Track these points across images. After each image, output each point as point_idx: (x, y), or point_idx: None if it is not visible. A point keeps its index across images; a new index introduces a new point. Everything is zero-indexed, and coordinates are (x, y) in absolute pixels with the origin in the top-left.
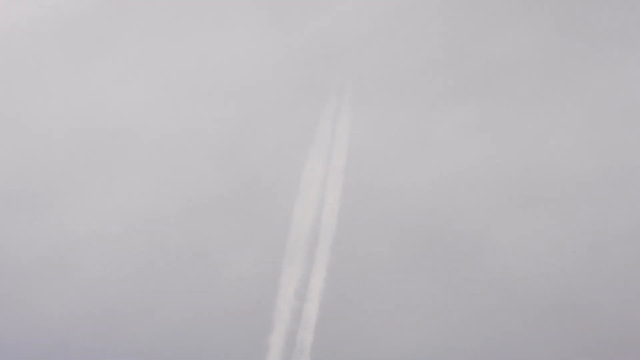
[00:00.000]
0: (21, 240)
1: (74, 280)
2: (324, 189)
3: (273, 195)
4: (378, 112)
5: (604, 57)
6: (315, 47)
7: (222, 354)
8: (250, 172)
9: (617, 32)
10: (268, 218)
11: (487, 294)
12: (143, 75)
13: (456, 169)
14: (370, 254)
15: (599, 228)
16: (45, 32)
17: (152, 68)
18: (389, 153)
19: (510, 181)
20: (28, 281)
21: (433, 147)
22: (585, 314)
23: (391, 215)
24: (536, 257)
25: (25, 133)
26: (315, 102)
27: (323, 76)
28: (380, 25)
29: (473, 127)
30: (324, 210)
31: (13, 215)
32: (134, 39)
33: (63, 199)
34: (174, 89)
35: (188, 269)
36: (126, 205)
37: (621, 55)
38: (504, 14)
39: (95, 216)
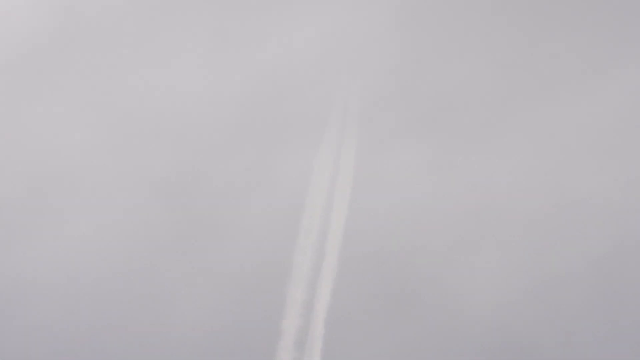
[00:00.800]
0: None
1: (18, 326)
2: (273, 227)
3: (220, 237)
4: (327, 151)
5: (550, 94)
6: (263, 84)
7: None
8: (199, 213)
9: (563, 69)
10: (216, 259)
11: (441, 333)
12: (87, 115)
13: (406, 207)
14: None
15: (551, 264)
16: None
17: (97, 107)
18: (338, 193)
19: (461, 219)
20: None
21: (383, 185)
22: (539, 352)
23: (340, 258)
24: (489, 296)
25: None
26: (264, 142)
27: (270, 116)
28: (331, 60)
29: (423, 164)
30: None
31: None
32: (77, 78)
33: (6, 245)
34: (121, 128)
35: (135, 312)
36: (72, 249)
37: (567, 92)
38: (453, 50)
39: (39, 262)
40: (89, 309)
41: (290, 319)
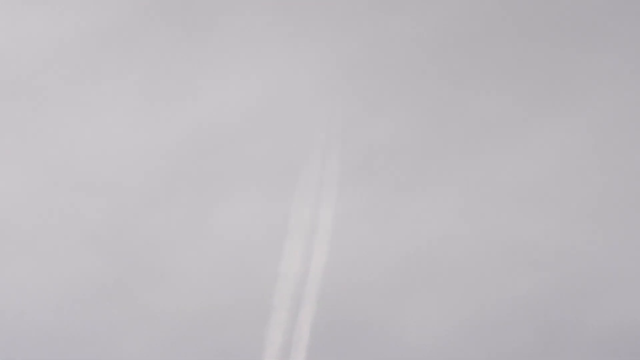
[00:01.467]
0: None
1: None
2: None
3: (157, 284)
4: (258, 204)
5: (481, 142)
6: (199, 135)
7: None
8: (133, 260)
9: (494, 118)
10: (154, 307)
11: None
12: (19, 164)
13: (343, 258)
14: None
15: (493, 306)
16: None
17: (28, 156)
18: (269, 245)
19: (399, 268)
20: None
21: (317, 236)
22: None
23: (284, 309)
24: (435, 341)
25: None
26: (201, 192)
27: (207, 167)
28: (258, 111)
29: (357, 214)
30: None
31: None
32: (6, 129)
33: None
34: (53, 178)
35: (72, 357)
36: (5, 296)
37: (498, 140)
38: (383, 100)
39: None
40: (24, 355)
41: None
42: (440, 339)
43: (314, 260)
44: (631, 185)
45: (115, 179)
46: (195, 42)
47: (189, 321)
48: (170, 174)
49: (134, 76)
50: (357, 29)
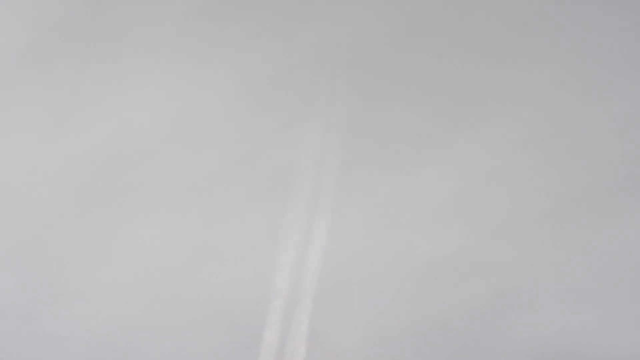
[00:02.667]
0: None
1: None
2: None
3: (64, 304)
4: (168, 222)
5: (396, 157)
6: (104, 156)
7: None
8: (41, 278)
9: (406, 136)
10: (60, 328)
11: None
12: None
13: (250, 279)
14: None
15: (409, 323)
16: None
17: None
18: (180, 263)
19: (313, 282)
20: None
21: (224, 257)
22: None
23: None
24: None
25: None
26: (108, 212)
27: (110, 185)
28: (169, 129)
29: (264, 234)
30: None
31: None
32: None
33: None
34: None
35: None
36: None
37: (410, 158)
38: (293, 116)
39: None
40: None
41: None
42: (355, 352)
43: (225, 278)
44: (544, 201)
45: (24, 196)
46: (106, 60)
47: (97, 344)
48: (80, 192)
49: (44, 94)
50: (267, 44)
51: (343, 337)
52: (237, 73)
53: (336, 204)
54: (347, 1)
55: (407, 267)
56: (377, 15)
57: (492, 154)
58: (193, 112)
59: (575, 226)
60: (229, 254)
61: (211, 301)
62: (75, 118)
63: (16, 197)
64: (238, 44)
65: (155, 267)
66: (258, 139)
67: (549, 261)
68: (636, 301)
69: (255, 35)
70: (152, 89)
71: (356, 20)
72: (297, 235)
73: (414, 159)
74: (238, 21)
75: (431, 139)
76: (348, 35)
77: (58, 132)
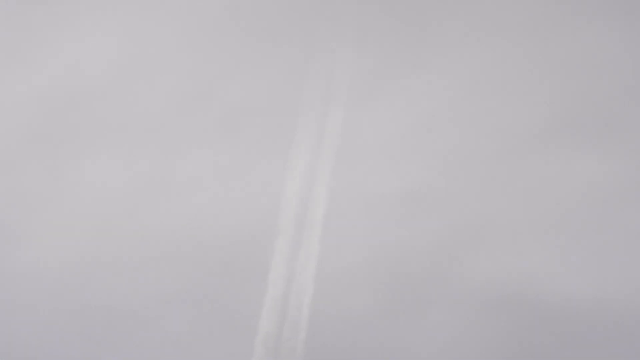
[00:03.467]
0: None
1: None
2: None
3: (19, 243)
4: (114, 162)
5: (348, 98)
6: (55, 96)
7: None
8: None
9: (357, 76)
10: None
11: None
12: None
13: (197, 214)
14: None
15: (364, 257)
16: None
17: None
18: (127, 201)
19: (265, 220)
20: None
21: (172, 192)
22: None
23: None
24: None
25: None
26: (49, 151)
27: (63, 126)
28: (115, 70)
29: (215, 169)
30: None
31: None
32: None
33: None
34: None
35: None
36: None
37: (364, 97)
38: (237, 62)
39: None
40: None
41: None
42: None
43: (169, 215)
44: (498, 138)
45: None
46: (53, 2)
47: (48, 279)
48: (29, 132)
49: None
50: None
51: (298, 273)
52: (186, 14)
53: (290, 143)
54: None
55: (362, 203)
56: None
57: (447, 92)
58: (140, 52)
59: (528, 163)
60: (176, 189)
61: (166, 236)
62: (23, 59)
63: None
64: None
65: (106, 205)
66: (203, 80)
67: (503, 196)
68: (586, 237)
69: None
70: (101, 29)
71: None
72: (250, 175)
73: (370, 96)
74: None
75: (386, 79)
76: None
77: (5, 73)
